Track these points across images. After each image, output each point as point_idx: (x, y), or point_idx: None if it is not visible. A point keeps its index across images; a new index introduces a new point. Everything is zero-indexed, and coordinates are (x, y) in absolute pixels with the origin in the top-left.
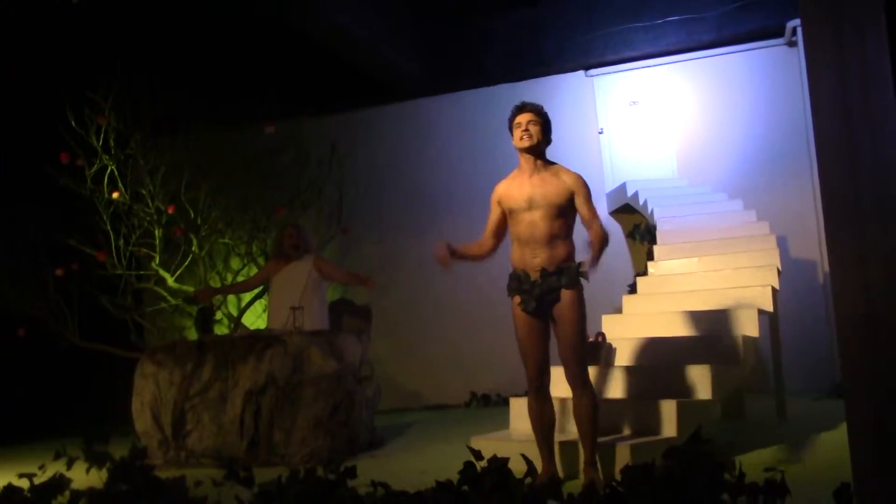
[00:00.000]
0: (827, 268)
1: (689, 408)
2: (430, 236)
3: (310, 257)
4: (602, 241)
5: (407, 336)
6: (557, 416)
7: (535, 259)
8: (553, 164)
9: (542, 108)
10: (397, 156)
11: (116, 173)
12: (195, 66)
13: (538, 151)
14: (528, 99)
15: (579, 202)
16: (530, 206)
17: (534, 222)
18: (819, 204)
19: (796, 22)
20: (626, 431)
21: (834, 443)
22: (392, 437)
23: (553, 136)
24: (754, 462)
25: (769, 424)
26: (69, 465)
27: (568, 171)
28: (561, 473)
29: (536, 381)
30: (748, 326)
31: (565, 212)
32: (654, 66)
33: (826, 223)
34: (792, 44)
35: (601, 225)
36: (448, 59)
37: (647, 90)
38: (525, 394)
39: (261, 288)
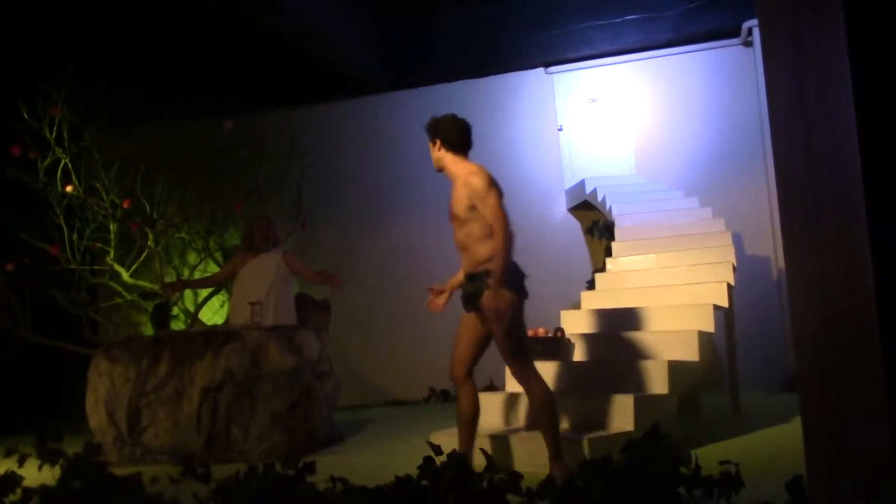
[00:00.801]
0: (781, 265)
1: (645, 402)
2: (390, 231)
3: (279, 250)
4: (499, 257)
5: (367, 331)
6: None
7: (464, 264)
8: (470, 167)
9: (427, 124)
10: (357, 151)
11: (70, 166)
12: (152, 59)
13: (442, 168)
14: (489, 96)
15: (480, 206)
16: (450, 217)
17: (454, 231)
18: (774, 201)
19: (752, 22)
20: (583, 426)
21: (787, 436)
22: (352, 433)
23: (512, 133)
24: (710, 456)
25: (724, 419)
26: (21, 463)
27: (469, 175)
28: (525, 468)
29: (450, 370)
30: (704, 322)
31: (470, 218)
32: (613, 64)
33: (782, 219)
34: (748, 44)
35: (501, 233)
36: (408, 55)
37: (606, 88)
38: (484, 389)
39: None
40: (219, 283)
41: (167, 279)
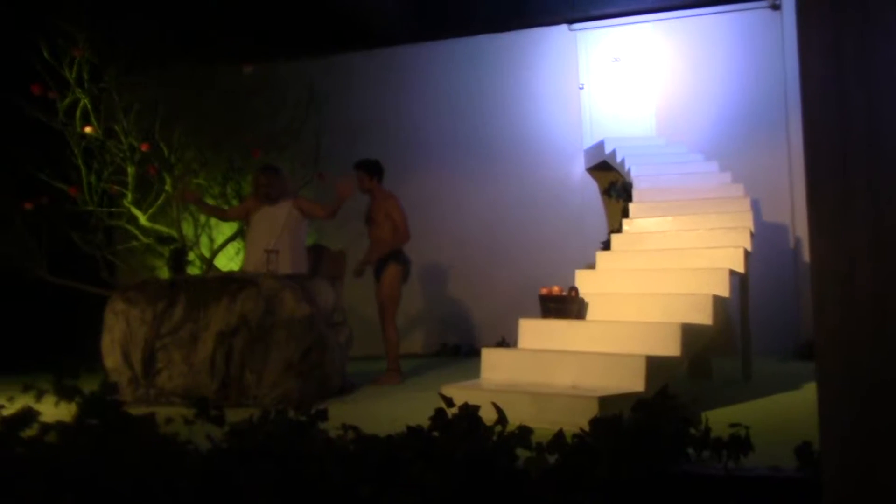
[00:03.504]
0: (798, 233)
1: (657, 363)
2: (406, 185)
3: (288, 200)
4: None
5: None
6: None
7: None
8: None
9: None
10: (375, 103)
11: (90, 107)
12: (174, 2)
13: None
14: (511, 51)
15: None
16: None
17: None
18: (793, 169)
19: None
20: (594, 384)
21: (797, 403)
22: (364, 384)
23: (533, 89)
24: (719, 418)
25: (735, 384)
26: (38, 398)
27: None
28: (535, 423)
29: None
30: (719, 286)
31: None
32: (638, 23)
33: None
34: (775, 7)
35: None
36: (430, 8)
37: (630, 47)
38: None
39: (234, 230)
40: (227, 219)
41: (184, 225)
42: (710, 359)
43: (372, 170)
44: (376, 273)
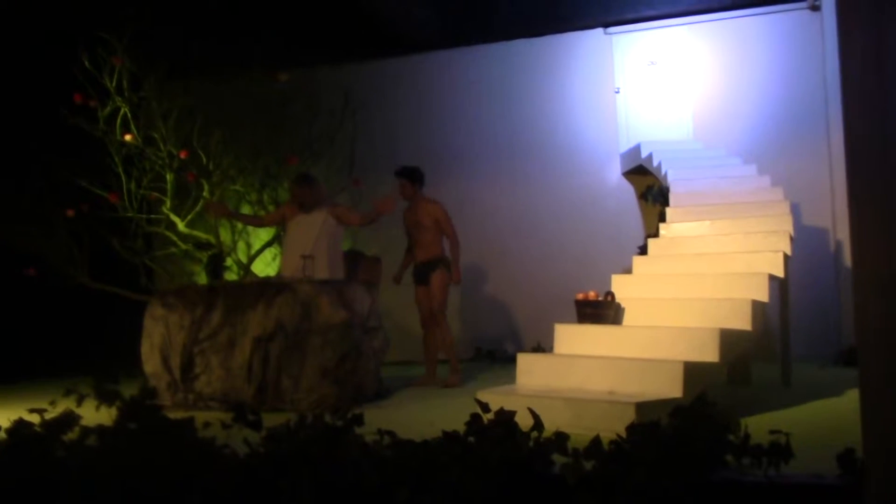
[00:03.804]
0: (839, 237)
1: (695, 369)
2: (441, 189)
3: (324, 208)
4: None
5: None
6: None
7: None
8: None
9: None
10: (411, 109)
11: (129, 115)
12: (210, 10)
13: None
14: (546, 55)
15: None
16: None
17: None
18: (834, 172)
19: None
20: (631, 390)
21: (839, 409)
22: (399, 389)
23: (568, 94)
24: (759, 425)
25: (774, 390)
26: (79, 402)
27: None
28: (572, 429)
29: None
30: (758, 291)
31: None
32: (674, 26)
33: (849, 185)
34: (815, 8)
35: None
36: (465, 13)
37: (666, 50)
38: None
39: (272, 236)
40: (263, 226)
41: (221, 231)
42: (749, 364)
43: (414, 177)
44: (422, 277)
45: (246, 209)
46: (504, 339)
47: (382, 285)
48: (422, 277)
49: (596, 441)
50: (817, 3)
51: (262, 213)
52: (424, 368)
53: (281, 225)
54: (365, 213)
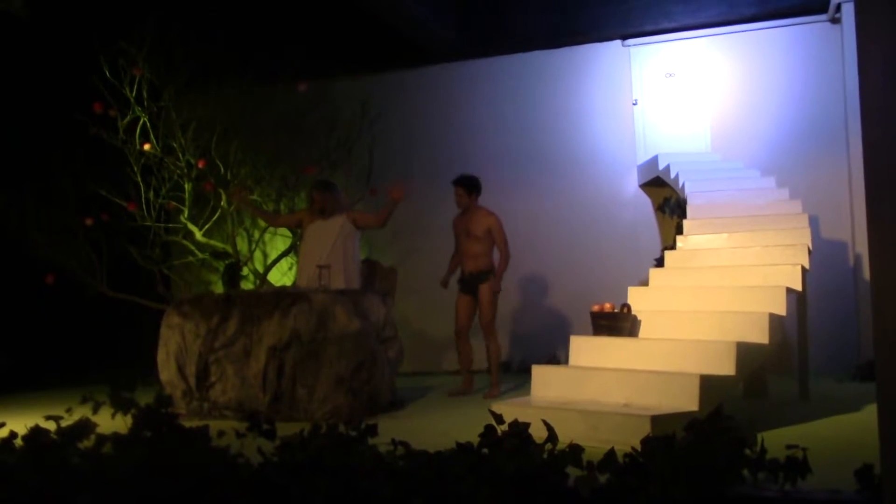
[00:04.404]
0: (858, 250)
1: (711, 382)
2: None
3: (342, 215)
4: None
5: (431, 300)
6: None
7: None
8: None
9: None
10: (429, 119)
11: (149, 125)
12: (229, 20)
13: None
14: (563, 67)
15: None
16: None
17: None
18: (853, 185)
19: None
20: (647, 403)
21: (856, 424)
22: (413, 399)
23: (586, 105)
24: (775, 439)
25: (791, 404)
26: (95, 410)
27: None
28: (586, 441)
29: None
30: (776, 304)
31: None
32: (693, 38)
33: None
34: (835, 20)
35: None
36: (483, 24)
37: (684, 62)
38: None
39: (288, 245)
40: (279, 225)
41: (238, 241)
42: (765, 378)
43: (470, 186)
44: (469, 287)
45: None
46: (520, 351)
47: (398, 295)
48: (469, 287)
49: (610, 454)
50: (837, 15)
51: (282, 214)
52: (462, 378)
53: (296, 228)
54: (379, 211)
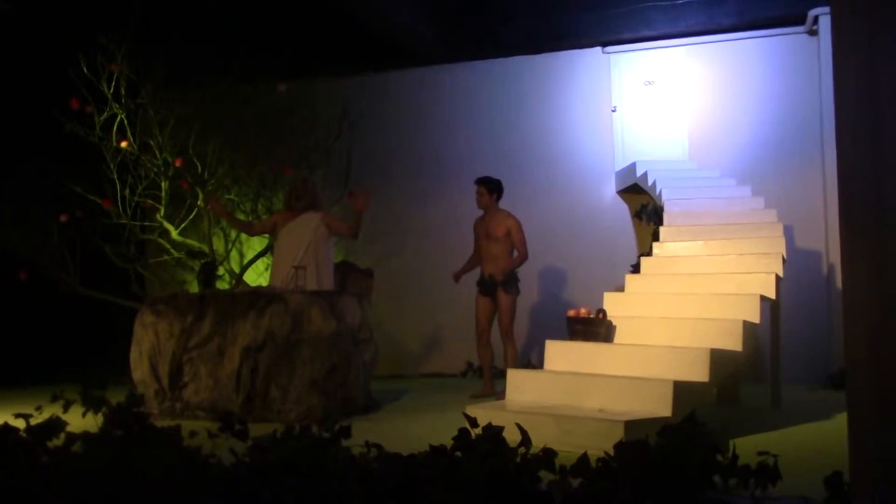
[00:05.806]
0: (832, 260)
1: (684, 388)
2: (437, 204)
3: (318, 214)
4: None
5: (408, 302)
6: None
7: None
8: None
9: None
10: (408, 122)
11: (126, 122)
12: (209, 19)
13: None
14: (544, 73)
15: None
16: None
17: None
18: (828, 195)
19: (818, 10)
20: (621, 408)
21: (827, 431)
22: (387, 402)
23: (565, 111)
24: (747, 446)
25: (763, 411)
26: (66, 409)
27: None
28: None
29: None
30: (750, 312)
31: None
32: (672, 46)
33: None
34: (812, 32)
35: None
36: (464, 28)
37: (664, 70)
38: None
39: (264, 246)
40: (253, 233)
41: (214, 240)
42: (738, 385)
43: (492, 187)
44: (489, 289)
45: (239, 218)
46: (495, 355)
47: (374, 297)
48: (488, 290)
49: (583, 458)
50: (815, 27)
51: (256, 222)
52: (483, 381)
53: (271, 234)
54: (349, 222)
